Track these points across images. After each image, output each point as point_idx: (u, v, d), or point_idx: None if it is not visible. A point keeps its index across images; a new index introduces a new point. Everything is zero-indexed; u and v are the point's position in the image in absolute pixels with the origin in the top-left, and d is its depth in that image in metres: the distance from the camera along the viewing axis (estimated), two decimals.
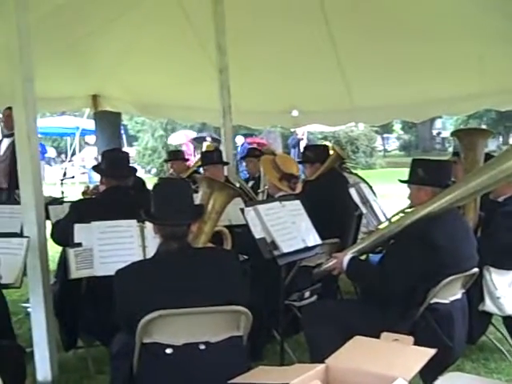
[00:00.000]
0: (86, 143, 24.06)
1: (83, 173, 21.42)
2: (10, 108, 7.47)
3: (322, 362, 2.57)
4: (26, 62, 4.23)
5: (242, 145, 20.94)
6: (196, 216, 3.19)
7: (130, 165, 4.87)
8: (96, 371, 4.50)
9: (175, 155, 8.17)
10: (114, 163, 4.55)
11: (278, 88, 8.62)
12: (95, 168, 4.82)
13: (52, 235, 4.54)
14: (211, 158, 6.35)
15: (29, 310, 5.71)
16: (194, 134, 20.56)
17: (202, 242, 3.87)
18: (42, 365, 4.35)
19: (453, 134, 5.46)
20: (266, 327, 4.47)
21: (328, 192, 5.29)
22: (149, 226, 3.98)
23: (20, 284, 3.85)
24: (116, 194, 4.44)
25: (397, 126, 35.77)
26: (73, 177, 13.95)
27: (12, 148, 7.17)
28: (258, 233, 3.97)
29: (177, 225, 3.06)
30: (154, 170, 24.94)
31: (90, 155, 21.96)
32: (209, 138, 21.97)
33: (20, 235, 4.28)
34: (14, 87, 4.27)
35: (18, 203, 5.25)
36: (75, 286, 4.28)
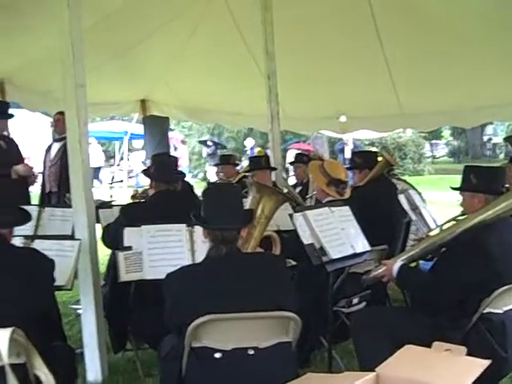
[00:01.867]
0: (133, 148, 24.33)
1: (131, 177, 21.66)
2: (61, 113, 7.60)
3: (371, 370, 2.53)
4: (79, 68, 4.29)
5: (252, 148, 20.99)
6: (246, 221, 3.19)
7: (178, 169, 4.90)
8: (145, 374, 4.52)
9: (225, 160, 8.20)
10: (163, 167, 4.59)
11: (325, 93, 8.59)
12: (145, 172, 4.87)
13: (102, 238, 4.60)
14: (259, 163, 6.36)
15: (79, 311, 5.80)
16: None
17: (251, 247, 3.87)
18: (92, 366, 4.40)
19: (506, 139, 5.35)
20: (313, 334, 4.44)
21: (377, 198, 5.24)
22: (198, 230, 3.99)
23: (71, 286, 3.91)
24: (165, 198, 4.47)
25: (446, 132, 35.22)
26: (121, 181, 14.14)
27: (62, 152, 7.31)
28: (306, 238, 3.96)
29: (227, 229, 3.06)
30: (200, 175, 25.08)
31: (138, 160, 22.18)
32: (210, 143, 22.10)
33: (71, 238, 4.34)
34: (66, 92, 4.34)
35: (69, 206, 5.36)
36: (125, 288, 4.32)
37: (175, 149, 22.96)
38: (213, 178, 18.78)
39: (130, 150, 23.96)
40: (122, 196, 11.29)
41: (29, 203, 6.32)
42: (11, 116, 6.73)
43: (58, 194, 7.42)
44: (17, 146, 6.81)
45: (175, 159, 4.86)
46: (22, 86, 7.89)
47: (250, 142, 21.73)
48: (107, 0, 6.21)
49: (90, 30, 5.19)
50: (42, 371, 2.83)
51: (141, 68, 8.37)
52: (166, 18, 7.22)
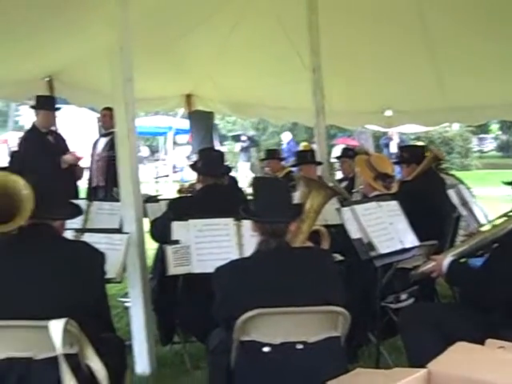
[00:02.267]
0: (178, 143, 24.49)
1: (175, 172, 21.82)
2: (108, 108, 7.69)
3: (422, 366, 2.49)
4: (127, 63, 4.34)
5: (288, 143, 20.88)
6: (295, 215, 3.18)
7: (225, 163, 4.92)
8: (192, 367, 4.55)
9: (271, 154, 8.18)
10: (210, 162, 4.61)
11: (371, 87, 8.50)
12: (192, 166, 4.89)
13: (150, 232, 4.64)
14: (305, 157, 6.34)
15: (126, 304, 5.88)
16: None
17: (300, 241, 3.85)
18: (141, 358, 4.46)
19: None
20: (360, 329, 4.41)
21: (425, 193, 5.16)
22: (245, 224, 4.00)
23: (121, 279, 3.95)
24: (212, 192, 4.49)
25: (494, 126, 34.53)
26: (167, 175, 14.23)
27: (109, 147, 7.40)
28: (354, 233, 3.93)
29: (276, 223, 3.06)
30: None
31: (182, 154, 22.34)
32: (244, 137, 22.03)
33: (120, 231, 4.39)
34: (114, 87, 4.39)
35: (116, 200, 5.42)
36: (172, 282, 4.36)
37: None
38: (244, 173, 18.86)
39: (174, 145, 24.13)
40: (168, 190, 11.35)
41: (77, 197, 6.43)
42: (58, 109, 6.83)
43: (104, 189, 7.51)
44: (64, 140, 6.92)
45: (222, 154, 4.87)
46: (69, 83, 8.01)
47: (286, 137, 21.69)
48: None
49: (135, 25, 5.23)
50: (94, 362, 2.88)
51: (186, 63, 8.40)
52: (209, 11, 7.23)
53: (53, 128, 6.84)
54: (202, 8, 7.00)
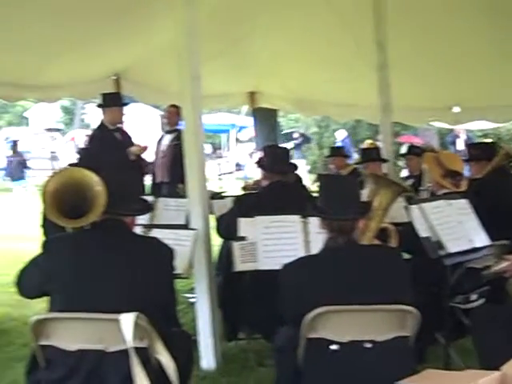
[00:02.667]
0: (240, 140, 24.61)
1: (238, 169, 21.93)
2: (173, 106, 7.78)
3: (495, 369, 2.44)
4: (194, 60, 4.37)
5: (343, 140, 20.60)
6: (363, 212, 3.15)
7: (291, 161, 4.91)
8: (257, 363, 4.56)
9: (336, 151, 8.13)
10: (276, 159, 4.60)
11: (438, 84, 8.32)
12: (258, 163, 4.90)
13: (217, 229, 4.66)
14: (370, 154, 6.27)
15: (191, 300, 5.93)
16: None
17: (368, 238, 3.81)
18: (206, 353, 4.49)
19: None
20: (427, 329, 4.32)
21: (496, 191, 5.03)
22: (312, 221, 3.99)
23: (189, 274, 3.99)
24: (278, 189, 4.49)
25: None
26: (231, 172, 14.31)
27: (174, 143, 7.48)
28: (423, 231, 3.86)
29: (345, 220, 3.04)
30: (307, 167, 25.07)
31: (244, 152, 22.45)
32: (296, 134, 21.84)
33: (186, 227, 4.43)
34: (182, 85, 4.42)
35: (181, 197, 5.47)
36: (238, 278, 4.38)
37: None
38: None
39: (236, 142, 24.28)
40: (231, 187, 11.44)
41: (144, 193, 6.52)
42: (125, 104, 6.94)
43: (168, 185, 7.60)
44: (130, 137, 7.01)
45: (288, 151, 4.87)
46: (136, 81, 8.12)
47: (341, 134, 21.52)
48: None
49: (201, 23, 5.27)
50: (163, 356, 2.92)
51: (250, 60, 8.42)
52: (274, 9, 7.22)
53: (119, 125, 6.94)
54: (267, 6, 7.00)
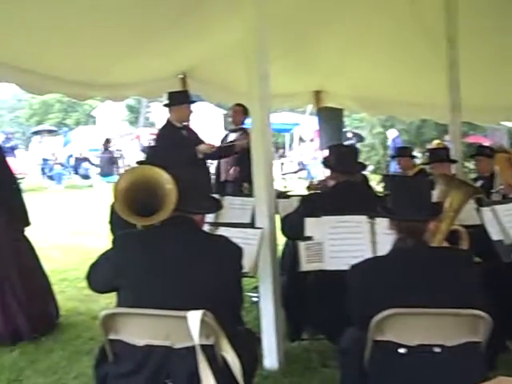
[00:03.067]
0: (302, 139, 24.57)
1: (301, 169, 21.88)
2: (238, 105, 7.81)
3: None
4: (263, 59, 4.37)
5: (394, 140, 20.18)
6: (435, 213, 3.09)
7: (359, 161, 4.85)
8: (320, 364, 4.53)
9: (402, 151, 8.00)
10: (343, 158, 4.56)
11: (509, 82, 8.09)
12: (325, 163, 4.86)
13: (282, 228, 4.65)
14: (439, 155, 6.14)
15: (254, 299, 5.94)
16: None
17: (438, 240, 3.74)
18: (270, 353, 4.48)
19: None
20: (498, 336, 4.21)
21: None
22: (379, 222, 3.94)
23: (255, 273, 4.00)
24: (345, 189, 4.44)
25: None
26: (295, 172, 14.29)
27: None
28: (495, 235, 3.76)
29: (415, 221, 2.99)
30: (370, 167, 24.83)
31: (307, 151, 22.38)
32: (350, 134, 21.49)
33: (252, 226, 4.44)
34: (250, 84, 4.43)
35: (245, 195, 5.49)
36: (302, 278, 4.36)
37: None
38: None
39: (299, 141, 24.24)
40: (295, 187, 11.40)
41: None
42: (192, 102, 7.00)
43: (233, 183, 7.62)
44: (197, 134, 7.06)
45: (356, 150, 4.81)
46: (202, 80, 8.19)
47: (392, 133, 21.19)
48: None
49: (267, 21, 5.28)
50: (229, 353, 2.92)
51: (316, 59, 8.37)
52: (340, 7, 7.15)
53: (186, 123, 7.00)
54: (333, 4, 6.95)
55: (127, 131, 27.73)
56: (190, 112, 6.84)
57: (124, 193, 3.09)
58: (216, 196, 5.05)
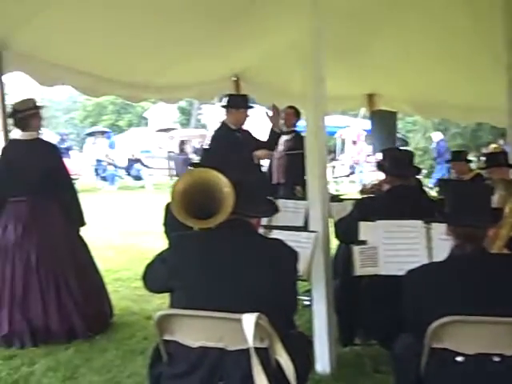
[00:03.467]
0: (354, 142, 24.39)
1: (352, 172, 21.73)
2: (290, 107, 7.80)
3: None
4: (319, 62, 4.35)
5: (438, 143, 19.72)
6: (494, 219, 3.03)
7: (414, 165, 4.78)
8: (372, 369, 4.48)
9: (457, 156, 7.86)
10: (398, 162, 4.50)
11: None
12: (379, 167, 4.81)
13: (336, 232, 4.62)
14: (497, 159, 6.01)
15: (306, 302, 5.91)
16: None
17: (497, 247, 3.65)
18: (322, 357, 4.46)
19: None
20: None
21: None
22: (435, 227, 3.88)
23: (308, 277, 3.98)
24: (400, 193, 4.38)
25: None
26: (348, 175, 14.18)
27: (290, 145, 7.49)
28: None
29: (474, 227, 2.93)
30: (423, 171, 24.50)
31: (359, 155, 22.20)
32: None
33: (305, 229, 4.42)
34: (305, 86, 4.42)
35: (298, 198, 5.47)
36: (355, 283, 4.32)
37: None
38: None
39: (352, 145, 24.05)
40: (347, 190, 11.33)
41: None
42: (251, 107, 7.01)
43: (285, 186, 7.61)
44: (253, 136, 7.07)
45: (411, 154, 4.75)
46: (255, 82, 8.22)
47: (437, 136, 20.80)
48: None
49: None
50: (283, 357, 2.91)
51: (369, 62, 8.30)
52: (395, 10, 7.08)
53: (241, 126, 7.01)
54: (388, 7, 6.88)
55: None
56: (247, 117, 6.85)
57: (181, 195, 3.10)
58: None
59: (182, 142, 23.54)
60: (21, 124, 5.59)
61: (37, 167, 5.49)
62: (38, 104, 5.79)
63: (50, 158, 5.63)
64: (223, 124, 6.77)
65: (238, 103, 6.75)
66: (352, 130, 23.73)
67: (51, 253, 5.42)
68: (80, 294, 5.44)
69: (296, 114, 7.82)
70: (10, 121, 5.75)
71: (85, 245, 5.82)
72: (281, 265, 3.06)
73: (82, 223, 5.83)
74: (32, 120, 5.57)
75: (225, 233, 3.08)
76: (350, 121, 24.23)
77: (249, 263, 2.99)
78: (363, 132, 22.37)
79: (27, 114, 5.54)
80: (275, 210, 3.38)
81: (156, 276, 3.21)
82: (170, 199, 3.10)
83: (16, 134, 5.82)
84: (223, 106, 6.91)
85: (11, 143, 5.76)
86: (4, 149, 5.70)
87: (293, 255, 3.14)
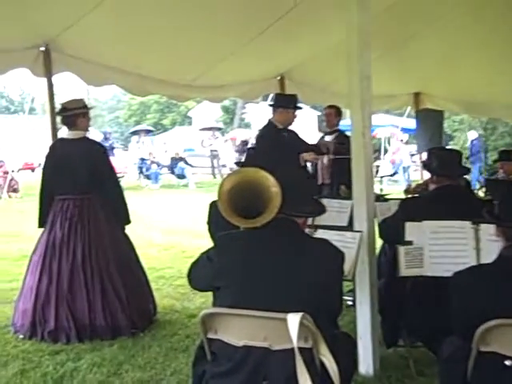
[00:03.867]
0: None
1: (395, 172, 21.49)
2: (331, 106, 7.76)
3: None
4: (365, 60, 4.31)
5: (472, 142, 19.28)
6: None
7: (463, 165, 4.71)
8: (417, 372, 4.42)
9: (505, 155, 7.71)
10: (446, 162, 4.43)
11: None
12: (426, 166, 4.74)
13: (380, 232, 4.58)
14: None
15: (349, 302, 5.88)
16: None
17: None
18: (365, 358, 4.42)
19: None
20: None
21: None
22: (484, 228, 3.81)
23: (353, 277, 3.95)
24: (448, 193, 4.31)
25: None
26: (392, 175, 14.02)
27: (334, 145, 7.45)
28: None
29: None
30: None
31: (404, 154, 21.95)
32: None
33: (350, 229, 4.39)
34: (351, 85, 4.38)
35: (342, 198, 5.43)
36: (400, 283, 4.27)
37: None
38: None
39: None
40: (392, 190, 11.19)
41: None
42: (299, 108, 7.02)
43: (329, 186, 7.57)
44: (299, 137, 7.06)
45: (460, 154, 4.66)
46: (300, 81, 8.19)
47: (472, 135, 20.42)
48: None
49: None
50: (327, 358, 2.88)
51: (416, 61, 8.22)
52: (441, 10, 6.99)
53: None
54: (434, 6, 6.80)
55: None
56: (295, 117, 6.84)
57: (228, 194, 3.10)
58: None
59: (244, 143, 23.47)
60: (68, 122, 5.68)
61: (83, 165, 5.57)
62: (87, 105, 5.89)
63: (96, 157, 5.71)
64: (270, 123, 6.77)
65: (287, 103, 6.74)
66: (386, 129, 23.53)
67: (97, 250, 5.50)
68: (124, 291, 5.50)
69: (337, 113, 7.77)
70: (59, 119, 5.85)
71: (130, 243, 5.88)
72: (327, 265, 3.03)
73: (128, 221, 5.90)
74: (79, 119, 5.66)
75: (271, 232, 3.06)
76: (390, 119, 23.99)
77: (294, 263, 2.97)
78: (397, 131, 22.19)
79: (76, 112, 5.63)
80: (322, 210, 3.35)
81: (200, 275, 3.21)
82: (217, 198, 3.10)
83: (63, 132, 5.93)
84: (271, 105, 6.91)
85: (58, 141, 5.87)
86: (51, 146, 5.82)
87: (339, 255, 3.11)
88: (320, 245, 3.16)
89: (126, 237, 5.87)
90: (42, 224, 5.73)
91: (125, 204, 5.88)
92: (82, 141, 5.71)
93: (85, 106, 5.79)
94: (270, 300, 2.87)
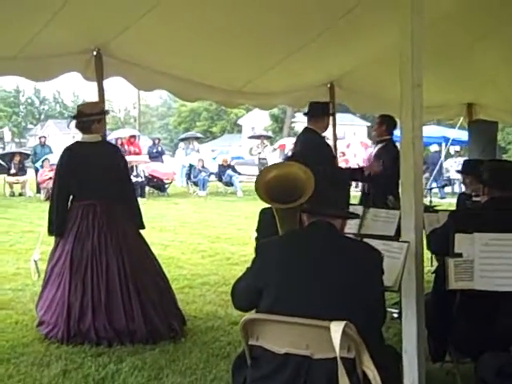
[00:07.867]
0: (450, 154, 23.80)
1: (446, 184, 21.16)
2: (383, 115, 7.67)
3: None
4: (417, 68, 4.22)
5: None
6: None
7: None
8: None
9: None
10: (499, 173, 4.31)
11: None
12: (477, 177, 4.63)
13: (428, 243, 4.48)
14: None
15: (394, 315, 5.77)
16: None
17: None
18: (410, 373, 4.29)
19: None
20: None
21: None
22: None
23: (398, 288, 3.86)
24: (500, 205, 4.19)
25: None
26: (442, 186, 13.79)
27: (380, 155, 7.37)
28: None
29: None
30: None
31: (453, 165, 21.61)
32: None
33: (397, 239, 4.30)
34: (402, 93, 4.29)
35: (390, 208, 5.35)
36: (449, 297, 4.16)
37: None
38: None
39: (446, 156, 23.47)
40: (440, 201, 11.01)
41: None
42: (331, 114, 7.00)
43: (377, 196, 7.48)
44: (330, 148, 7.10)
45: (511, 164, 4.53)
46: (350, 89, 8.12)
47: None
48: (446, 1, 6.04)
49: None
50: (370, 369, 2.81)
51: (469, 71, 8.07)
52: (496, 22, 6.85)
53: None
54: (489, 17, 6.67)
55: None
56: (328, 124, 6.85)
57: (267, 182, 3.15)
58: (359, 207, 5.02)
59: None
60: (83, 127, 5.64)
61: (108, 169, 5.58)
62: (104, 109, 5.83)
63: (119, 160, 5.72)
64: (310, 129, 6.78)
65: (320, 110, 6.78)
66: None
67: (127, 256, 5.47)
68: (156, 295, 5.50)
69: (383, 121, 7.69)
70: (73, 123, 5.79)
71: (149, 247, 5.88)
72: (368, 268, 3.00)
73: (142, 226, 5.90)
74: (94, 125, 5.61)
75: (309, 235, 3.05)
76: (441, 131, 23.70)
77: (334, 263, 2.95)
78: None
79: (92, 119, 5.60)
80: (350, 215, 3.32)
81: (241, 291, 3.19)
82: (255, 187, 3.15)
83: (79, 136, 5.84)
84: (305, 114, 6.91)
85: (76, 144, 5.80)
86: (68, 148, 5.75)
87: (378, 255, 3.09)
88: (359, 246, 3.14)
89: (145, 241, 5.85)
90: (58, 231, 5.59)
91: (139, 209, 5.90)
92: (99, 144, 5.68)
93: (101, 112, 5.73)
94: (311, 307, 2.84)
